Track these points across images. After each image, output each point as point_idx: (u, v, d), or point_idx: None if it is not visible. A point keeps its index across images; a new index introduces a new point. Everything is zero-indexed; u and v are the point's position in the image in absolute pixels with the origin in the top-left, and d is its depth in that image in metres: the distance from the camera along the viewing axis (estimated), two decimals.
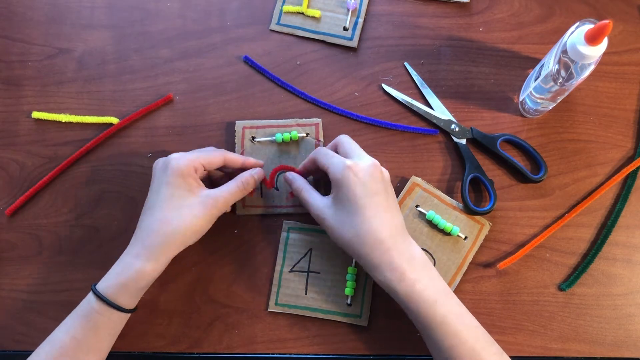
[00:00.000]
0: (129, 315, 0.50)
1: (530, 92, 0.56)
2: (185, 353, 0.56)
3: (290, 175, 0.55)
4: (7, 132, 0.62)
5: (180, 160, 0.50)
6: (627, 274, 0.56)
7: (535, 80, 0.55)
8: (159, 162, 0.52)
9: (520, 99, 0.60)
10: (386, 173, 0.51)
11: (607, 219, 0.58)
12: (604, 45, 0.47)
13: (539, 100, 0.56)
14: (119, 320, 0.50)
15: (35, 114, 0.61)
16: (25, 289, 0.58)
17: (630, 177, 0.58)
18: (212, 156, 0.52)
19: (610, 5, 0.63)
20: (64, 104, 0.62)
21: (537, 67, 0.56)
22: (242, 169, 0.55)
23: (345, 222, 0.48)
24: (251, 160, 0.56)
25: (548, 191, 0.58)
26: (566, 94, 0.54)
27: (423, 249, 0.57)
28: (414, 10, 0.64)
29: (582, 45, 0.47)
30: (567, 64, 0.49)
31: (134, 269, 0.48)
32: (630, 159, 0.59)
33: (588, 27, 0.47)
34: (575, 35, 0.48)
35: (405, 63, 0.62)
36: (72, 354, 0.47)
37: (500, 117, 0.60)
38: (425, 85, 0.61)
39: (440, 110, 0.60)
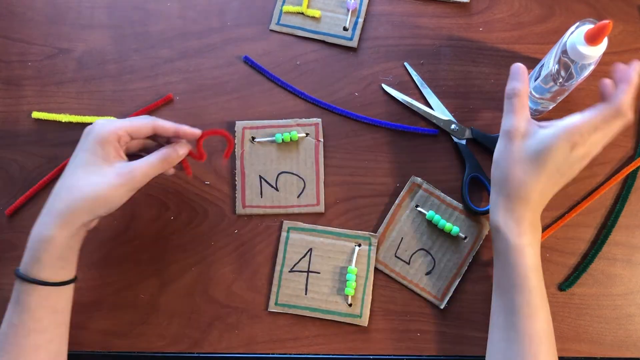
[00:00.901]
0: (66, 288, 0.49)
1: (530, 92, 0.56)
2: (185, 353, 0.56)
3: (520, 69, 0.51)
4: (7, 132, 0.62)
5: (104, 126, 0.48)
6: (627, 274, 0.56)
7: (535, 80, 0.55)
8: (87, 128, 0.50)
9: None
10: None
11: (607, 219, 0.58)
12: (603, 45, 0.47)
13: (538, 101, 0.56)
14: (54, 295, 0.48)
15: (35, 114, 0.61)
16: None
17: (630, 177, 0.58)
18: (140, 124, 0.49)
19: (610, 5, 0.63)
20: (64, 104, 0.62)
21: (537, 67, 0.56)
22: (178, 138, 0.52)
23: (526, 159, 0.48)
24: (185, 127, 0.51)
25: None
26: (566, 94, 0.54)
27: (423, 249, 0.57)
28: (414, 10, 0.64)
29: (582, 45, 0.47)
30: (567, 64, 0.49)
31: (43, 238, 0.46)
32: (630, 159, 0.59)
33: (588, 27, 0.47)
34: (576, 35, 0.48)
35: (405, 63, 0.62)
36: (13, 340, 0.46)
37: (500, 117, 0.60)
38: (425, 85, 0.61)
39: (440, 110, 0.60)
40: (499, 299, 0.50)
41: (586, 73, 0.50)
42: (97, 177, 0.47)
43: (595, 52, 0.47)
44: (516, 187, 0.48)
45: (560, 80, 0.50)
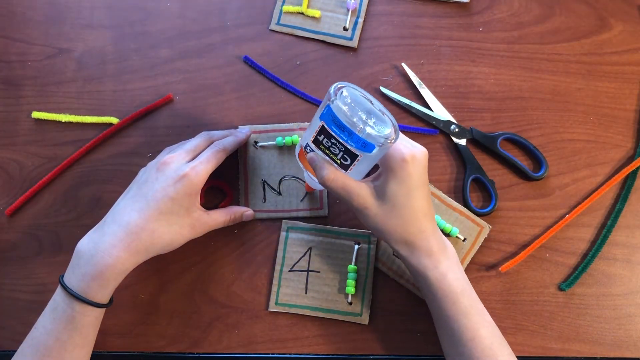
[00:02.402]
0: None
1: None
2: (185, 353, 0.56)
3: (316, 158, 0.48)
4: (7, 132, 0.62)
5: (198, 177, 0.50)
6: (627, 274, 0.56)
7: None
8: (170, 168, 0.50)
9: None
10: None
11: (607, 219, 0.58)
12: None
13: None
14: (100, 314, 0.49)
15: (35, 114, 0.61)
16: (25, 289, 0.58)
17: (630, 177, 0.58)
18: (218, 160, 0.52)
19: (610, 5, 0.63)
20: (64, 104, 0.62)
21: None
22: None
23: (393, 212, 0.47)
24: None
25: (548, 191, 0.58)
26: None
27: None
28: (414, 10, 0.64)
29: None
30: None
31: (116, 269, 0.47)
32: (630, 159, 0.59)
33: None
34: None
35: (404, 63, 0.62)
36: (57, 355, 0.47)
37: (500, 117, 0.60)
38: (424, 86, 0.61)
39: (439, 111, 0.60)
40: (440, 330, 0.50)
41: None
42: (177, 227, 0.50)
43: None
44: (403, 232, 0.48)
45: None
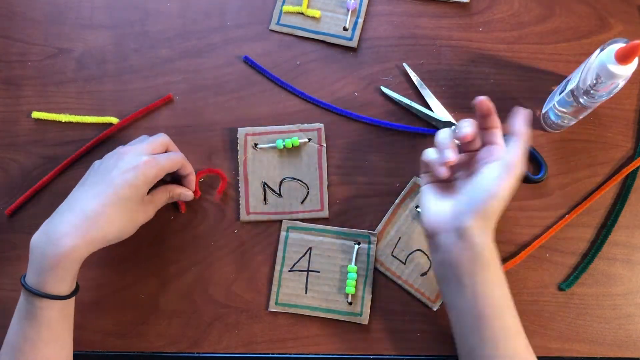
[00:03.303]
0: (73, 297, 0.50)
1: (554, 105, 0.55)
2: (185, 353, 0.56)
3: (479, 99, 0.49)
4: (7, 132, 0.62)
5: (152, 169, 0.50)
6: (627, 274, 0.56)
7: (560, 93, 0.54)
8: (130, 155, 0.50)
9: (543, 111, 0.59)
10: None
11: (607, 219, 0.58)
12: (634, 64, 0.46)
13: (560, 114, 0.55)
14: (69, 305, 0.49)
15: (35, 114, 0.61)
16: None
17: (630, 177, 0.58)
18: (175, 166, 0.53)
19: (610, 5, 0.63)
20: (64, 104, 0.62)
21: (563, 82, 0.55)
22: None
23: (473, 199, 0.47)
24: (192, 177, 0.57)
25: (548, 191, 0.58)
26: (589, 111, 0.53)
27: (420, 250, 0.57)
28: (414, 10, 0.64)
29: (612, 64, 0.46)
30: (594, 81, 0.49)
31: (70, 257, 0.47)
32: (630, 159, 0.59)
33: (619, 45, 0.46)
34: (606, 53, 0.47)
35: (405, 63, 0.62)
36: (30, 353, 0.47)
37: (500, 118, 0.60)
38: (424, 86, 0.61)
39: (439, 111, 0.60)
40: (463, 326, 0.47)
41: (614, 91, 0.49)
42: (133, 213, 0.51)
43: (625, 71, 0.46)
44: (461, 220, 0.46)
45: (585, 98, 0.50)
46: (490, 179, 0.46)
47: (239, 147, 0.60)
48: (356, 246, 0.56)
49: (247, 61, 0.63)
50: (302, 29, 0.63)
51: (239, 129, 0.60)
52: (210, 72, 0.63)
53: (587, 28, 0.62)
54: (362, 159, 0.60)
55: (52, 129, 0.62)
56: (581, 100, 0.51)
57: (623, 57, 0.46)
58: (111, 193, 0.49)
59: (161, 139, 0.54)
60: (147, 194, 0.52)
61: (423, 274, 0.56)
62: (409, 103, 0.60)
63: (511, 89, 0.61)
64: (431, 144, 0.60)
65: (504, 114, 0.60)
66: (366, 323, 0.55)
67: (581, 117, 0.55)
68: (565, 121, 0.56)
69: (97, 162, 0.53)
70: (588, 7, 0.63)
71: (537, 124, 0.60)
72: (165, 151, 0.55)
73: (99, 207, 0.48)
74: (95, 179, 0.50)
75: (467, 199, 0.47)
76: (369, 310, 0.56)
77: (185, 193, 0.57)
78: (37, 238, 0.48)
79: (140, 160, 0.50)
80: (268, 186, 0.59)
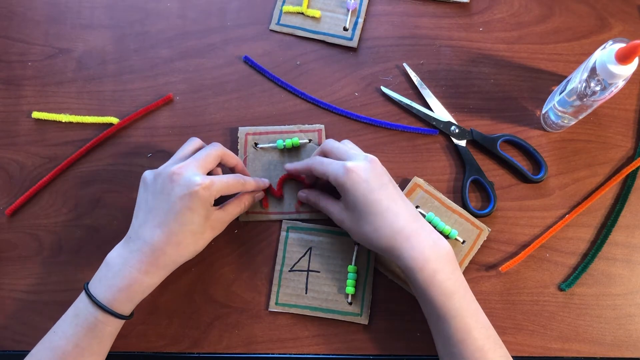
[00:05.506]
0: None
1: (554, 105, 0.56)
2: (185, 353, 0.56)
3: (302, 193, 0.57)
4: (7, 132, 0.62)
5: (208, 190, 0.48)
6: (627, 274, 0.56)
7: (560, 93, 0.54)
8: (184, 177, 0.48)
9: (543, 111, 0.59)
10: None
11: (607, 219, 0.58)
12: (634, 64, 0.46)
13: (560, 114, 0.56)
14: (120, 324, 0.50)
15: (35, 114, 0.61)
16: (25, 289, 0.58)
17: (630, 177, 0.58)
18: (231, 188, 0.52)
19: (610, 5, 0.63)
20: (64, 104, 0.62)
21: (564, 82, 0.56)
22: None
23: (360, 221, 0.49)
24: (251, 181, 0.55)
25: (548, 191, 0.58)
26: (589, 110, 0.53)
27: None
28: (414, 10, 0.64)
29: (613, 64, 0.46)
30: (594, 81, 0.49)
31: (143, 283, 0.48)
32: (630, 159, 0.59)
33: (619, 45, 0.46)
34: (606, 53, 0.47)
35: (405, 63, 0.62)
36: (75, 359, 0.48)
37: (500, 118, 0.60)
38: (425, 86, 0.61)
39: (440, 111, 0.60)
40: (432, 330, 0.50)
41: (614, 91, 0.49)
42: (199, 235, 0.50)
43: (625, 71, 0.47)
44: (379, 238, 0.48)
45: (585, 98, 0.50)
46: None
47: (239, 147, 0.60)
48: (356, 246, 0.56)
49: (247, 61, 0.63)
50: (302, 29, 0.63)
51: (239, 128, 0.60)
52: (210, 72, 0.63)
53: (587, 28, 0.62)
54: None
55: (52, 129, 0.62)
56: (581, 100, 0.51)
57: (623, 57, 0.46)
58: (174, 221, 0.48)
59: (214, 153, 0.52)
60: (218, 208, 0.52)
61: None
62: (409, 103, 0.60)
63: (511, 89, 0.61)
64: (431, 144, 0.60)
65: (504, 114, 0.61)
66: (366, 323, 0.55)
67: (581, 117, 0.55)
68: (565, 121, 0.56)
69: (148, 177, 0.51)
70: (588, 7, 0.63)
71: (537, 124, 0.60)
72: (220, 162, 0.53)
73: (165, 238, 0.48)
74: (157, 204, 0.49)
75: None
76: (369, 310, 0.56)
77: (257, 195, 0.57)
78: (114, 257, 0.49)
79: (194, 182, 0.48)
80: (272, 188, 0.59)
